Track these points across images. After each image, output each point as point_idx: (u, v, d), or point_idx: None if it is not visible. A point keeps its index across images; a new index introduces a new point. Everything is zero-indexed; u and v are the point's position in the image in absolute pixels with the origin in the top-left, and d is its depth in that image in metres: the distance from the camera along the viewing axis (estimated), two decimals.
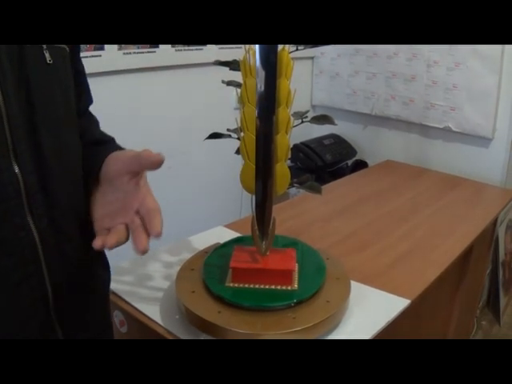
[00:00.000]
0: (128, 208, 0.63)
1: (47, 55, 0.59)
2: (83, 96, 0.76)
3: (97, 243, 0.60)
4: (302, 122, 0.90)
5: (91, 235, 0.65)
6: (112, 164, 0.65)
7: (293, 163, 2.29)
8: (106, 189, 0.66)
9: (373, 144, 2.41)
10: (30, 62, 0.57)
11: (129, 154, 0.64)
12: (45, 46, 0.59)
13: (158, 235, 0.60)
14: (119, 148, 0.70)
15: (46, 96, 0.59)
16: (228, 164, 1.59)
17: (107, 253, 0.73)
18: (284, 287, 0.87)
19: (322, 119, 0.93)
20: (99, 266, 0.71)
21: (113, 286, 0.96)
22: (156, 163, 0.60)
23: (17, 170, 0.55)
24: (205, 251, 1.01)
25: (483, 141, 1.99)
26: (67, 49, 0.64)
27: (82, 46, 1.53)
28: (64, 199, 0.61)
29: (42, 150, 0.58)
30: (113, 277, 0.98)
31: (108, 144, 0.75)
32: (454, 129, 2.04)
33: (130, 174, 0.63)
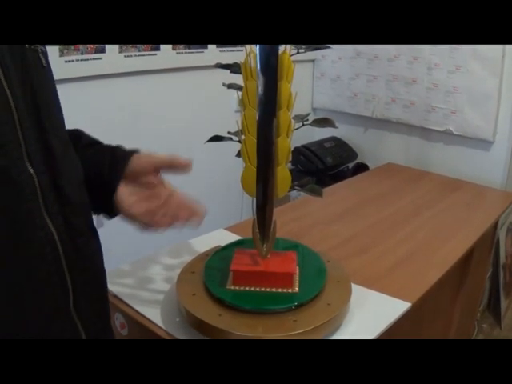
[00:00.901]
0: (159, 196, 0.76)
1: (42, 58, 0.61)
2: None
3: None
4: (303, 124, 0.90)
5: (95, 229, 0.71)
6: (138, 163, 0.75)
7: (294, 166, 2.29)
8: (131, 182, 0.76)
9: (374, 147, 2.41)
10: (31, 65, 0.59)
11: (158, 156, 0.76)
12: (40, 50, 0.61)
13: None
14: (121, 149, 0.80)
15: (46, 98, 0.61)
16: (229, 167, 1.59)
17: (106, 252, 0.74)
18: (285, 290, 0.87)
19: (323, 122, 0.93)
20: (101, 258, 0.73)
21: (113, 288, 0.96)
22: (187, 168, 0.77)
23: (31, 171, 0.56)
24: (205, 254, 1.01)
25: (484, 144, 1.99)
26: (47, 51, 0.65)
27: (82, 49, 1.55)
28: (72, 196, 0.63)
29: (51, 149, 0.60)
30: (113, 279, 0.99)
31: (105, 145, 0.82)
32: (454, 132, 2.04)
33: (155, 172, 0.77)
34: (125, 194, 0.76)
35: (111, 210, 0.77)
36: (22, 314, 0.57)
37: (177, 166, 0.76)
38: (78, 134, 0.78)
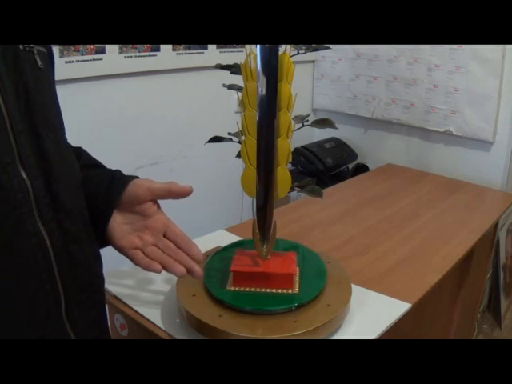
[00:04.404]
0: (154, 229, 0.74)
1: (38, 59, 0.60)
2: None
3: (182, 270, 0.73)
4: (303, 125, 0.90)
5: (92, 234, 0.69)
6: (137, 189, 0.73)
7: (294, 167, 2.30)
8: (126, 209, 0.74)
9: (374, 148, 2.41)
10: (25, 68, 0.58)
11: (155, 184, 0.73)
12: (35, 51, 0.60)
13: (200, 262, 0.75)
14: (120, 173, 0.78)
15: (41, 101, 0.60)
16: (229, 168, 1.60)
17: (105, 254, 0.74)
18: (285, 291, 0.87)
19: (323, 123, 0.93)
20: (98, 264, 0.72)
21: (113, 289, 0.96)
22: (187, 194, 0.74)
23: (24, 176, 0.55)
24: (205, 255, 1.01)
25: (484, 144, 1.99)
26: (46, 51, 0.64)
27: (82, 50, 1.55)
28: (68, 201, 0.62)
29: (45, 153, 0.59)
30: (114, 280, 0.99)
31: (106, 168, 0.80)
32: (454, 132, 2.04)
33: (153, 200, 0.75)
34: (117, 221, 0.73)
35: (102, 238, 0.74)
36: (12, 322, 0.56)
37: (175, 193, 0.74)
38: (77, 153, 0.76)
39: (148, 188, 0.73)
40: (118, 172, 0.77)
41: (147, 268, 0.73)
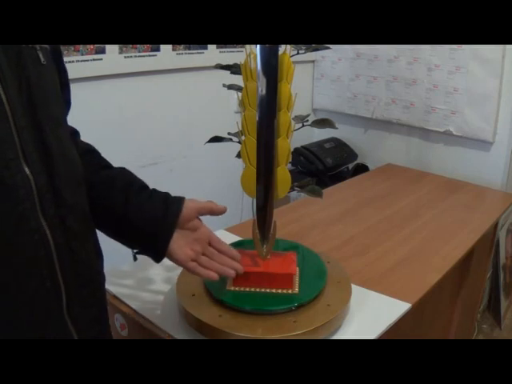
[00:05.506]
0: (201, 240, 0.81)
1: (41, 55, 0.60)
2: (66, 92, 0.77)
3: (232, 272, 0.81)
4: (303, 125, 0.90)
5: (94, 231, 0.70)
6: (187, 211, 0.79)
7: (294, 167, 2.29)
8: (179, 227, 0.79)
9: (374, 148, 2.41)
10: (28, 63, 0.58)
11: (200, 204, 0.82)
12: (38, 47, 0.60)
13: (239, 261, 0.83)
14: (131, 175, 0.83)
15: (44, 96, 0.60)
16: (229, 168, 1.59)
17: (105, 253, 0.74)
18: (285, 291, 0.87)
19: (323, 123, 0.93)
20: (99, 261, 0.72)
21: (113, 289, 0.96)
22: (223, 212, 0.82)
23: (28, 172, 0.55)
24: None
25: (484, 144, 1.99)
26: (49, 48, 0.64)
27: (82, 50, 1.55)
28: (69, 197, 0.62)
29: (48, 149, 0.59)
30: (113, 280, 0.99)
31: (123, 170, 0.83)
32: (454, 132, 2.04)
33: (197, 217, 0.82)
34: (174, 239, 0.78)
35: (160, 254, 0.79)
36: (13, 319, 0.56)
37: (215, 212, 0.82)
38: (104, 165, 0.81)
39: (196, 209, 0.81)
40: (168, 196, 0.81)
41: (207, 276, 0.80)
